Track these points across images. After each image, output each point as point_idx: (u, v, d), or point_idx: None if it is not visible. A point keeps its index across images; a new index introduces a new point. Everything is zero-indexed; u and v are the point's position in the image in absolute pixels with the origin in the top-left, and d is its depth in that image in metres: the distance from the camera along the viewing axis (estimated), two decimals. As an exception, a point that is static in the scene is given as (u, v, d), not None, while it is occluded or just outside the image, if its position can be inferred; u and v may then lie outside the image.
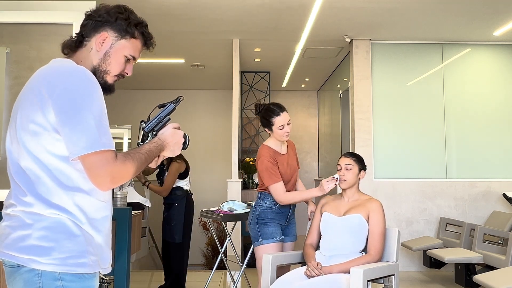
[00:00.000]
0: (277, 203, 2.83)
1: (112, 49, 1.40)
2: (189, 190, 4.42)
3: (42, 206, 1.26)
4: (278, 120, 2.77)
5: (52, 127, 1.25)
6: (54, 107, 1.23)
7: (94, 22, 1.40)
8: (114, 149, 1.27)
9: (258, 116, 2.91)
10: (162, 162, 4.36)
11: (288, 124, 2.80)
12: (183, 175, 4.33)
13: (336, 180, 2.72)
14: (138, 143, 1.47)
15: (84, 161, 1.23)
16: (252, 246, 2.90)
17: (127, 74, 1.46)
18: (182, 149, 1.51)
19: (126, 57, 1.43)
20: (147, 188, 4.39)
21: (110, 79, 1.42)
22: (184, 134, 1.51)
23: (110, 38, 1.40)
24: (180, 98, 1.54)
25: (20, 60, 3.31)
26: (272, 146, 2.87)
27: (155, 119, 1.47)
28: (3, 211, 1.34)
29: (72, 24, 2.93)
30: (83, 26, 1.41)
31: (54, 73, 1.29)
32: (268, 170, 2.77)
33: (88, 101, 1.25)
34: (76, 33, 1.43)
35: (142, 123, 1.48)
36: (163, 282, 4.39)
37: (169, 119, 1.50)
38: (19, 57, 3.31)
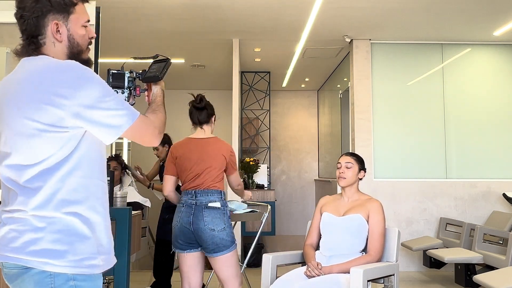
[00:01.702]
0: None
1: (70, 31, 1.34)
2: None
3: (54, 207, 1.25)
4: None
5: (70, 122, 1.25)
6: (70, 102, 1.23)
7: (32, 19, 1.30)
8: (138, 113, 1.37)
9: (203, 107, 2.92)
10: (163, 163, 4.38)
11: None
12: None
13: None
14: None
15: (129, 132, 1.32)
16: (224, 252, 2.68)
17: (93, 37, 1.43)
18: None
19: (84, 26, 1.38)
20: (152, 189, 4.40)
21: (85, 55, 1.41)
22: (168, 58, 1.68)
23: (62, 23, 1.33)
24: (158, 56, 1.66)
25: (20, 60, 3.30)
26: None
27: (163, 70, 1.60)
28: (3, 215, 1.30)
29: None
30: (24, 29, 1.33)
31: (52, 70, 1.27)
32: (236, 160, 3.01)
33: (100, 86, 1.28)
34: (23, 39, 1.34)
35: (137, 74, 1.60)
36: (162, 282, 4.39)
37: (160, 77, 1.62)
38: (19, 57, 3.30)
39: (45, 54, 1.34)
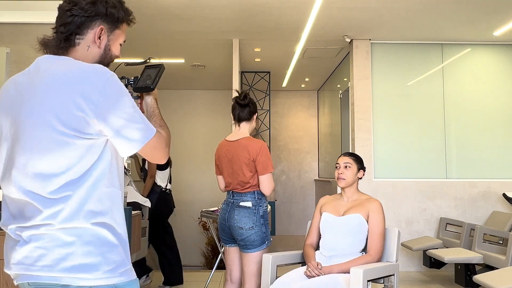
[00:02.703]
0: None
1: (110, 42, 1.36)
2: (165, 187, 4.37)
3: (83, 219, 1.21)
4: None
5: (96, 131, 1.22)
6: (99, 110, 1.20)
7: (82, 17, 1.30)
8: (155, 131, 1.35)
9: (246, 104, 2.89)
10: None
11: None
12: (162, 166, 4.29)
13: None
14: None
15: (146, 147, 1.28)
16: (251, 251, 2.73)
17: (118, 57, 1.44)
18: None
19: (121, 44, 1.42)
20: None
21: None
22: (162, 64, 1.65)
23: (105, 31, 1.34)
24: (150, 59, 1.61)
25: (20, 60, 3.31)
26: None
27: (155, 79, 1.54)
28: (23, 232, 1.22)
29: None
30: (68, 23, 1.30)
31: (82, 74, 1.23)
32: (270, 158, 2.81)
33: (127, 96, 1.26)
34: (60, 32, 1.32)
35: (130, 80, 1.54)
36: (165, 280, 4.43)
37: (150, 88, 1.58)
38: (19, 57, 3.31)
39: (70, 56, 1.32)
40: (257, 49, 6.11)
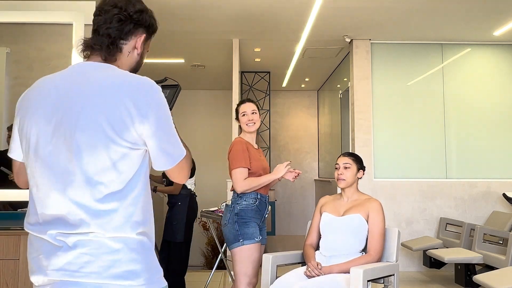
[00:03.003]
0: (257, 201, 2.76)
1: (144, 50, 1.43)
2: (193, 190, 4.42)
3: (129, 228, 1.22)
4: (241, 108, 2.93)
5: (142, 141, 1.22)
6: (147, 121, 1.20)
7: (130, 24, 1.35)
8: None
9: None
10: None
11: (252, 113, 2.89)
12: (190, 174, 4.34)
13: (294, 170, 2.79)
14: None
15: (175, 166, 1.29)
16: (229, 247, 2.74)
17: None
18: None
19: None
20: (156, 193, 4.38)
21: None
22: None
23: (144, 40, 1.41)
24: (166, 79, 1.58)
25: (20, 60, 3.31)
26: (245, 138, 2.91)
27: (173, 100, 1.54)
28: (68, 239, 1.19)
29: (72, 24, 2.93)
30: (116, 28, 1.32)
31: (132, 84, 1.23)
32: (238, 153, 2.75)
33: (168, 111, 1.29)
34: (107, 35, 1.32)
35: None
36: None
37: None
38: (19, 57, 3.31)
39: (114, 60, 1.33)
40: (257, 49, 6.11)
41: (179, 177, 1.36)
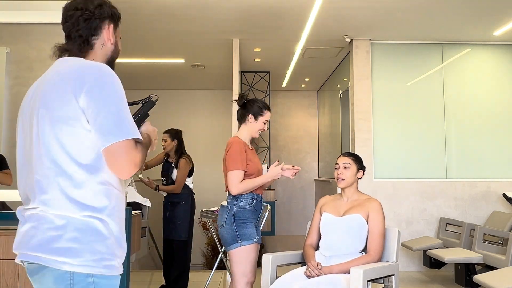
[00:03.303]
0: (253, 201, 2.74)
1: (117, 39, 1.51)
2: (192, 189, 4.44)
3: (76, 209, 1.27)
4: (266, 115, 2.85)
5: (81, 126, 1.27)
6: (86, 100, 1.26)
7: (96, 20, 1.44)
8: (139, 138, 1.33)
9: (240, 106, 2.88)
10: (167, 159, 4.40)
11: (266, 123, 2.88)
12: (190, 173, 4.36)
13: (293, 167, 2.75)
14: None
15: (112, 148, 1.26)
16: (226, 249, 2.73)
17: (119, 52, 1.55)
18: None
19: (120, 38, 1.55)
20: (158, 191, 4.38)
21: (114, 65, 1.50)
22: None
23: (112, 29, 1.48)
24: (151, 97, 1.57)
25: (20, 60, 3.31)
26: (242, 138, 2.82)
27: (139, 116, 1.50)
28: (24, 213, 1.33)
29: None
30: (84, 28, 1.43)
31: (81, 68, 1.33)
32: (236, 154, 2.69)
33: (118, 93, 1.31)
34: (78, 36, 1.43)
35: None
36: (163, 283, 4.38)
37: (149, 115, 1.54)
38: (19, 57, 3.31)
39: (90, 55, 1.43)
40: (257, 49, 6.11)
41: (114, 166, 1.30)
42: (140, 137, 1.33)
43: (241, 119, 2.88)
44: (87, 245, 1.26)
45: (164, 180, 4.37)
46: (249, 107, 2.85)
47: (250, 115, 2.82)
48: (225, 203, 2.81)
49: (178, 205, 4.28)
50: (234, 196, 2.73)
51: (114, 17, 1.49)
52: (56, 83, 1.31)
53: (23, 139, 1.38)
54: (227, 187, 2.77)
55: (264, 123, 2.84)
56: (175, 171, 4.28)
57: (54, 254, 1.24)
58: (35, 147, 1.32)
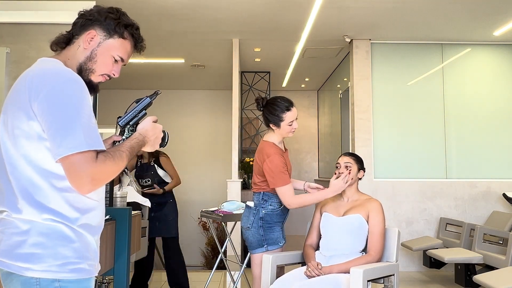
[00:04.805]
0: (282, 205, 2.63)
1: (99, 48, 1.38)
2: None
3: (37, 213, 1.23)
4: (289, 116, 2.60)
5: (36, 132, 1.23)
6: (39, 109, 1.21)
7: (84, 20, 1.39)
8: (100, 149, 1.23)
9: (261, 111, 2.69)
10: (139, 159, 4.43)
11: (296, 119, 2.63)
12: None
13: (347, 172, 2.68)
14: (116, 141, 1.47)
15: (64, 162, 1.20)
16: (250, 251, 2.69)
17: (114, 75, 1.43)
18: (161, 146, 1.48)
19: (114, 57, 1.41)
20: (166, 192, 4.40)
21: (95, 78, 1.40)
22: (163, 130, 1.49)
23: (98, 37, 1.38)
24: (158, 92, 1.52)
25: (20, 60, 3.31)
26: (277, 143, 2.67)
27: (130, 113, 1.46)
28: None
29: (71, 24, 2.92)
30: (74, 24, 1.41)
31: (39, 74, 1.26)
32: (280, 170, 2.53)
33: (73, 102, 1.22)
34: (66, 31, 1.42)
35: (118, 118, 1.47)
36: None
37: (145, 113, 1.49)
38: (19, 57, 3.31)
39: (66, 53, 1.39)
40: (257, 49, 6.11)
41: (70, 180, 1.21)
42: (102, 147, 1.23)
43: (267, 125, 2.69)
44: (51, 250, 1.23)
45: (149, 180, 4.39)
46: (267, 114, 2.65)
47: (271, 124, 2.64)
48: (251, 203, 2.69)
49: (166, 204, 4.36)
50: (262, 198, 2.64)
51: (107, 26, 1.38)
52: (20, 85, 1.27)
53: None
54: (255, 184, 2.66)
55: (290, 125, 2.62)
56: (159, 170, 4.33)
57: (18, 260, 1.22)
58: (2, 147, 1.29)
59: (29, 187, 1.24)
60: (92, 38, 1.38)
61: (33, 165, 1.24)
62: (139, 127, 1.44)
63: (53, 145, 1.20)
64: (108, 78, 1.43)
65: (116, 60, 1.41)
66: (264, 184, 2.64)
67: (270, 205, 2.64)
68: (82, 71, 1.37)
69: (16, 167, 1.25)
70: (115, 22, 1.39)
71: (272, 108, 2.62)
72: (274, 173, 2.54)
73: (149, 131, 1.42)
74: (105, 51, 1.39)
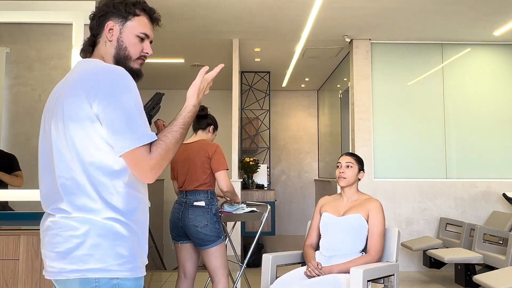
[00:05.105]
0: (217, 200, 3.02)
1: (122, 34, 1.42)
2: None
3: (95, 211, 1.26)
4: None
5: (97, 131, 1.26)
6: (100, 108, 1.24)
7: (97, 19, 1.43)
8: (154, 139, 1.29)
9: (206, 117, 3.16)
10: None
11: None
12: None
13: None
14: None
15: (128, 156, 1.25)
16: (209, 246, 2.87)
17: (148, 53, 1.48)
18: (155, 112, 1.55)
19: (139, 36, 1.45)
20: None
21: (133, 64, 1.44)
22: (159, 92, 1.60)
23: (117, 25, 1.42)
24: (161, 93, 1.60)
25: (20, 60, 3.31)
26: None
27: (150, 108, 1.52)
28: (50, 218, 1.31)
29: (71, 24, 2.92)
30: (91, 28, 1.44)
31: (92, 74, 1.30)
32: (224, 157, 3.00)
33: (130, 96, 1.27)
34: (87, 38, 1.46)
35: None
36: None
37: (159, 106, 1.56)
38: (18, 57, 3.31)
39: (98, 54, 1.43)
40: (257, 49, 6.11)
41: (135, 172, 1.29)
42: (154, 138, 1.28)
43: (204, 127, 3.14)
44: (109, 250, 1.26)
45: None
46: (210, 119, 3.18)
47: (212, 127, 3.17)
48: (201, 203, 2.90)
49: None
50: (210, 196, 2.92)
51: (119, 12, 1.42)
52: (72, 88, 1.30)
53: (44, 142, 1.37)
54: (196, 186, 2.91)
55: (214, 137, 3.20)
56: None
57: (78, 262, 1.24)
58: (55, 150, 1.31)
59: (87, 186, 1.26)
60: (111, 29, 1.41)
61: (94, 164, 1.27)
62: (189, 94, 1.47)
63: (117, 141, 1.24)
64: (144, 59, 1.48)
65: (142, 39, 1.46)
66: (208, 181, 2.95)
67: (216, 201, 2.97)
68: (119, 62, 1.41)
69: (73, 168, 1.27)
70: (123, 5, 1.43)
71: (213, 118, 3.21)
72: (223, 158, 2.97)
73: (194, 97, 1.46)
74: (129, 34, 1.43)
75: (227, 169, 2.99)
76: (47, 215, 1.33)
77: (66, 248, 1.25)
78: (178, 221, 2.93)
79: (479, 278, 3.42)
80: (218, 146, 3.00)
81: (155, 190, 6.23)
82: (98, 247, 1.25)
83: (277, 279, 2.59)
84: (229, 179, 3.01)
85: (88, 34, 1.47)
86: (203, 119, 3.12)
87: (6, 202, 3.02)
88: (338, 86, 6.93)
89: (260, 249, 6.16)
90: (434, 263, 4.90)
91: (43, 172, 1.37)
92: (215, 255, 2.87)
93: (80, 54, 1.47)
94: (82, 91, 1.26)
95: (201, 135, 3.11)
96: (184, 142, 2.97)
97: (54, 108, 1.34)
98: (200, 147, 3.00)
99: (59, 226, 1.27)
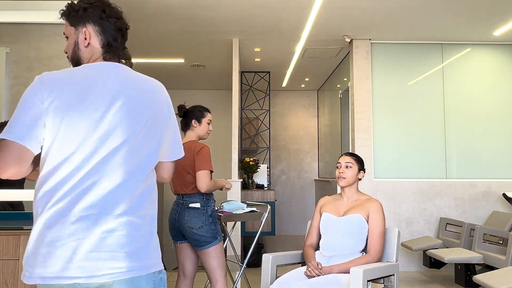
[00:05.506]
0: (214, 201, 3.01)
1: (76, 39, 1.48)
2: None
3: (150, 210, 1.36)
4: (209, 115, 3.11)
5: (163, 138, 1.44)
6: (172, 117, 1.47)
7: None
8: None
9: (182, 117, 3.08)
10: None
11: (211, 123, 3.13)
12: None
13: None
14: None
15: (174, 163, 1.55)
16: (206, 247, 2.87)
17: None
18: None
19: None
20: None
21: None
22: None
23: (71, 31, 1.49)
24: None
25: (20, 60, 3.31)
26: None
27: None
28: (113, 220, 1.26)
29: (72, 24, 2.91)
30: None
31: (160, 85, 1.55)
32: (209, 156, 2.96)
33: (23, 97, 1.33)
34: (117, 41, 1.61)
35: None
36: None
37: None
38: (18, 57, 3.31)
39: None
40: (257, 49, 6.11)
41: (167, 176, 1.56)
42: None
43: (186, 126, 3.08)
44: (157, 246, 1.35)
45: None
46: (190, 114, 3.07)
47: (193, 120, 3.04)
48: (196, 205, 2.89)
49: None
50: (205, 198, 2.91)
51: (69, 16, 1.42)
52: (144, 97, 1.40)
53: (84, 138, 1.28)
54: (189, 188, 2.90)
55: (208, 124, 3.09)
56: None
57: (151, 258, 1.32)
58: (113, 150, 1.29)
59: (149, 188, 1.37)
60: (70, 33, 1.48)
61: (147, 166, 1.37)
62: None
63: (175, 148, 1.49)
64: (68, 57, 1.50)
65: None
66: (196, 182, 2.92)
67: (212, 202, 2.96)
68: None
69: (145, 172, 1.35)
70: (68, 8, 1.47)
71: (193, 109, 3.09)
72: (208, 157, 2.93)
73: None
74: (77, 39, 1.47)
75: (211, 171, 2.90)
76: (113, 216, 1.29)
77: (138, 248, 1.28)
78: (175, 222, 2.95)
79: (479, 278, 3.42)
80: (204, 147, 2.93)
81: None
82: (152, 243, 1.33)
83: (277, 279, 2.59)
84: (210, 180, 2.87)
85: None
86: (184, 119, 3.09)
87: (21, 202, 3.01)
88: (338, 86, 6.93)
89: (260, 249, 6.16)
90: (434, 263, 4.90)
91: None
92: (212, 256, 2.88)
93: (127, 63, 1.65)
94: (164, 101, 1.52)
95: (190, 134, 3.07)
96: None
97: (118, 108, 1.35)
98: (188, 149, 2.92)
99: (125, 226, 1.28)
